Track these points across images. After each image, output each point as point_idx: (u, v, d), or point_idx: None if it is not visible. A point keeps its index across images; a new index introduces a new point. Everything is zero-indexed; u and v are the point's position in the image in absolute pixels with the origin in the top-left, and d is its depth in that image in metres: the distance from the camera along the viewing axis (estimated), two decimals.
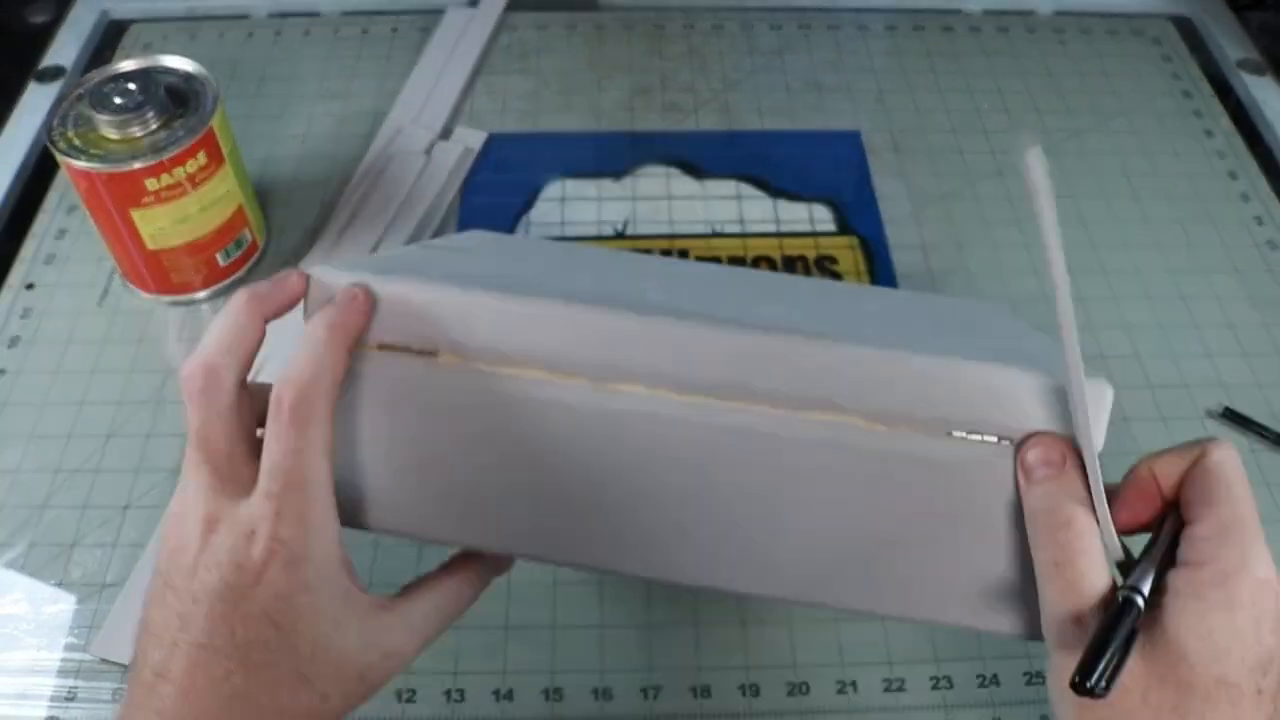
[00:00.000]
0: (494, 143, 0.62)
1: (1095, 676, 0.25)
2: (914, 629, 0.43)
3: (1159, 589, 0.27)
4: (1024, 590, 0.29)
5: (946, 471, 0.28)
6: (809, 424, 0.28)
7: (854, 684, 0.42)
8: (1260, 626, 0.26)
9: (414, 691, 0.41)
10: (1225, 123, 0.65)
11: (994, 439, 0.28)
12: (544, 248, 0.45)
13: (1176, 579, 0.27)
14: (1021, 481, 0.28)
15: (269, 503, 0.28)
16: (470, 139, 0.62)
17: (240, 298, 0.30)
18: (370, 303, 0.30)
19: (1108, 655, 0.25)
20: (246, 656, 0.27)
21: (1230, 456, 0.28)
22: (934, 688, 0.41)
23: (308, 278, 0.31)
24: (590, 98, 0.66)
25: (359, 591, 0.30)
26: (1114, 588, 0.27)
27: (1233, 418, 0.50)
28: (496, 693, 0.41)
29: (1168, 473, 0.28)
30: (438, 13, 0.70)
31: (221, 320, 0.29)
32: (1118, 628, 0.26)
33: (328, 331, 0.29)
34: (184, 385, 0.29)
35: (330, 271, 0.30)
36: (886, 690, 0.41)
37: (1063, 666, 0.26)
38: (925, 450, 0.28)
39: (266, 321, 0.30)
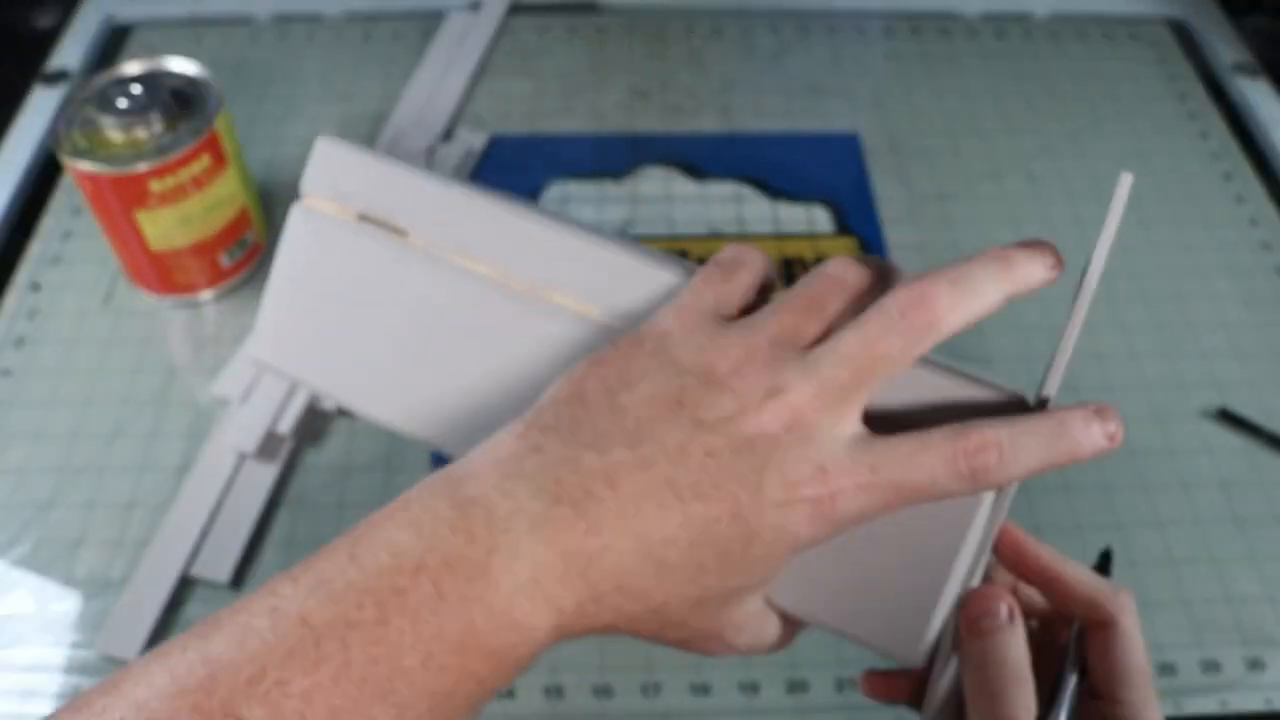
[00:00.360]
0: (496, 144, 0.63)
1: None
2: None
3: None
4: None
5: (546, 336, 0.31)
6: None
7: (853, 682, 0.42)
8: None
9: None
10: (1220, 125, 0.66)
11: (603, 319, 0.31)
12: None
13: None
14: (963, 631, 0.28)
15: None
16: (472, 141, 0.63)
17: None
18: None
19: None
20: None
21: (1135, 620, 0.28)
22: None
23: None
24: (591, 100, 0.66)
25: None
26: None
27: (1228, 418, 0.50)
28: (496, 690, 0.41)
29: (1080, 595, 0.29)
30: (440, 16, 0.70)
31: None
32: None
33: None
34: None
35: (339, 143, 0.33)
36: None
37: None
38: (549, 316, 0.31)
39: None
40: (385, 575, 0.24)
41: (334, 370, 0.33)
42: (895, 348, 0.26)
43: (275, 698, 0.22)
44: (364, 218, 0.32)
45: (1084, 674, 0.29)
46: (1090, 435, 0.26)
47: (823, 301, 0.28)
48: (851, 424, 0.27)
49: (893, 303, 0.26)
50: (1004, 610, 0.28)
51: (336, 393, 0.33)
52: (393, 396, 0.32)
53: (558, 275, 0.31)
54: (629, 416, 0.26)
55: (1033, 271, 0.27)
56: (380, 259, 0.32)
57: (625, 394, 0.27)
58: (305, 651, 0.23)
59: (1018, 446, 0.26)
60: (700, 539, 0.26)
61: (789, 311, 0.28)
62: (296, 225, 0.33)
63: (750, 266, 0.29)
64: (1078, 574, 0.29)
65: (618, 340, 0.28)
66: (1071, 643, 0.29)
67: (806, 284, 0.28)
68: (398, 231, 0.32)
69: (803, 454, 0.26)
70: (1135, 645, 0.28)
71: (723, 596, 0.27)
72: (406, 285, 0.32)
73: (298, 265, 0.33)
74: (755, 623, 0.29)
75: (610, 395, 0.27)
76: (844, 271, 0.28)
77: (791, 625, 0.30)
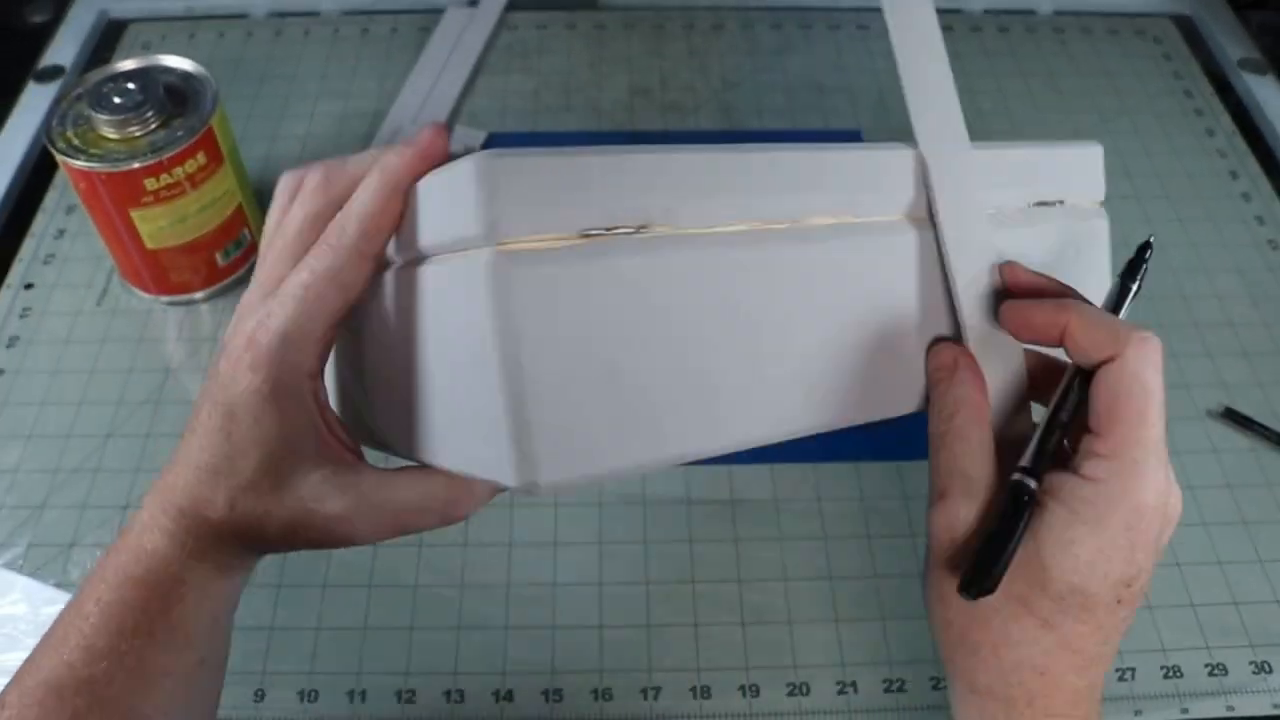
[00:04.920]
0: (494, 142, 0.62)
1: (989, 580, 0.27)
2: (914, 629, 0.43)
3: (1046, 483, 0.28)
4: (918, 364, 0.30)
5: (858, 256, 0.29)
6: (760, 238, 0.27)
7: (854, 684, 0.41)
8: (1134, 548, 0.27)
9: (414, 692, 0.41)
10: (1226, 122, 0.65)
11: (891, 217, 0.30)
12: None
13: (1060, 484, 0.28)
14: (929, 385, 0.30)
15: (271, 302, 0.28)
16: (470, 139, 0.62)
17: (383, 177, 0.28)
18: (436, 148, 0.28)
19: (1003, 559, 0.27)
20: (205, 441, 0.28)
21: (1146, 365, 0.27)
22: (934, 688, 0.41)
23: (445, 134, 0.29)
24: (590, 97, 0.66)
25: (332, 438, 0.29)
26: (998, 476, 0.29)
27: (1233, 417, 0.50)
28: (496, 693, 0.41)
29: (1083, 341, 0.28)
30: (438, 12, 0.70)
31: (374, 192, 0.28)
32: (1014, 527, 0.27)
33: (391, 176, 0.28)
34: (308, 180, 0.29)
35: (500, 156, 0.24)
36: (887, 690, 0.41)
37: (942, 551, 0.29)
38: (838, 239, 0.29)
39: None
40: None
41: (633, 436, 0.25)
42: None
43: None
44: (587, 234, 0.25)
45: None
46: None
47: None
48: None
49: None
50: (948, 357, 0.30)
51: (647, 458, 0.26)
52: (725, 414, 0.27)
53: (806, 199, 0.28)
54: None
55: None
56: (633, 269, 0.25)
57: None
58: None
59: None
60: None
61: None
62: (506, 289, 0.23)
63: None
64: (1084, 317, 0.28)
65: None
66: (1065, 380, 0.29)
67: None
68: (631, 230, 0.25)
69: None
70: (1130, 379, 0.27)
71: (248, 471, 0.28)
72: (671, 283, 0.25)
73: (542, 340, 0.24)
74: (326, 492, 0.28)
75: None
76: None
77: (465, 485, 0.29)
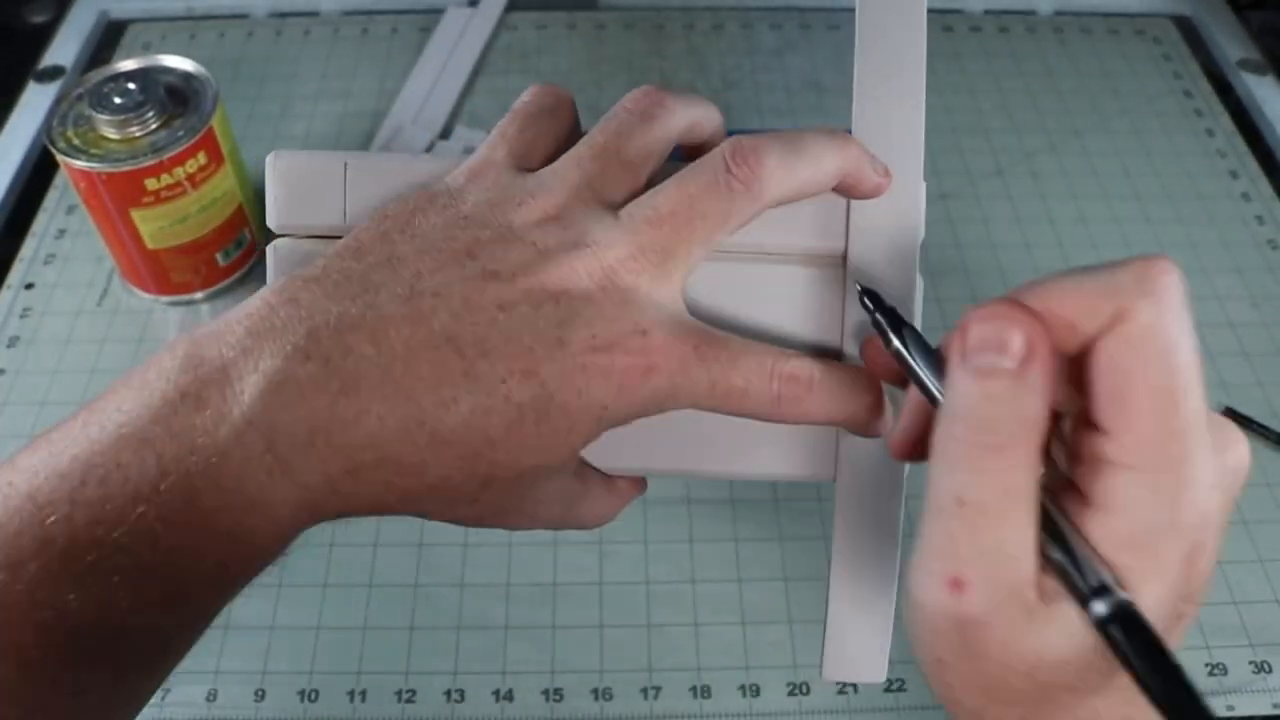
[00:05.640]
0: None
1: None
2: None
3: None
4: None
5: (774, 291, 0.27)
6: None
7: (854, 685, 0.41)
8: (1194, 571, 0.20)
9: (414, 691, 0.41)
10: (1226, 122, 0.65)
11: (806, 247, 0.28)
12: None
13: (1080, 509, 0.19)
14: (954, 359, 0.20)
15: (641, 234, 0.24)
16: (470, 139, 0.62)
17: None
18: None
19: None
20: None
21: (1169, 316, 0.19)
22: None
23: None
24: (590, 97, 0.66)
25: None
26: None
27: (1234, 417, 0.50)
28: (496, 693, 0.41)
29: (1075, 317, 0.20)
30: (437, 12, 0.70)
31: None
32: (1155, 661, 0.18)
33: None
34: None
35: (297, 153, 0.27)
36: (887, 690, 0.41)
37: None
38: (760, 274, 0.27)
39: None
40: (110, 448, 0.21)
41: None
42: (718, 207, 0.24)
43: (2, 579, 0.20)
44: None
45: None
46: (875, 417, 0.25)
47: (628, 142, 0.25)
48: (673, 294, 0.24)
49: (719, 155, 0.24)
50: (1017, 344, 0.19)
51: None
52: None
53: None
54: (407, 267, 0.23)
55: (863, 160, 0.26)
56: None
57: (405, 244, 0.23)
58: (32, 531, 0.21)
59: (825, 391, 0.25)
60: (485, 405, 0.22)
61: (592, 158, 0.25)
62: None
63: (549, 113, 0.26)
64: (1076, 284, 0.20)
65: (406, 194, 0.25)
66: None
67: (610, 119, 0.25)
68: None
69: (621, 312, 0.23)
70: (1147, 342, 0.19)
71: (517, 475, 0.23)
72: None
73: None
74: (565, 497, 0.25)
75: (388, 244, 0.23)
76: (648, 104, 0.25)
77: (622, 491, 0.27)
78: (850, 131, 0.28)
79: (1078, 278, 0.20)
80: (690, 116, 0.26)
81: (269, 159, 0.27)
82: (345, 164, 0.26)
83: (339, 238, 0.25)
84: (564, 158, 0.25)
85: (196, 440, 0.21)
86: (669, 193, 0.24)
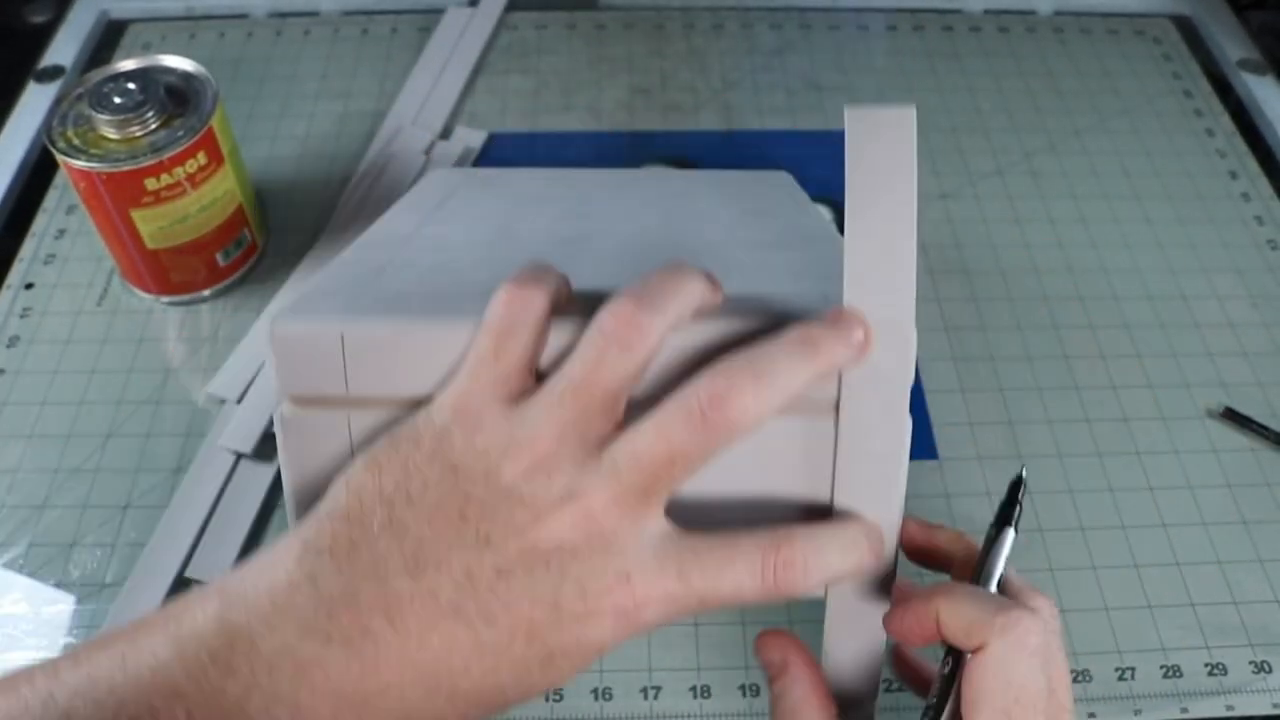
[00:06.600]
0: (494, 142, 0.62)
1: None
2: None
3: None
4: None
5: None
6: None
7: None
8: None
9: None
10: (1226, 122, 0.65)
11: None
12: (508, 184, 0.46)
13: None
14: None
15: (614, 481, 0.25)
16: (470, 139, 0.62)
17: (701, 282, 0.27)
18: None
19: None
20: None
21: (1016, 654, 0.25)
22: None
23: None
24: (590, 97, 0.66)
25: None
26: None
27: (1233, 417, 0.50)
28: None
29: (955, 631, 0.26)
30: (437, 12, 0.70)
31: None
32: None
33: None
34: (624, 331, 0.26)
35: (294, 322, 0.28)
36: (887, 690, 0.41)
37: None
38: None
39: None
40: (145, 692, 0.23)
41: None
42: (696, 447, 0.25)
43: None
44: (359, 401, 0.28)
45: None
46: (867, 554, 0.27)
47: (606, 376, 0.25)
48: (655, 522, 0.26)
49: (694, 399, 0.25)
50: (776, 654, 0.29)
51: None
52: None
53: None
54: (409, 536, 0.25)
55: (836, 352, 0.26)
56: None
57: (403, 507, 0.25)
58: None
59: (819, 567, 0.26)
60: (495, 665, 0.25)
61: (574, 396, 0.25)
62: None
63: (523, 327, 0.26)
64: (952, 602, 0.26)
65: (396, 435, 0.26)
66: (941, 667, 0.27)
67: (587, 348, 0.26)
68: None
69: (604, 563, 0.25)
70: (993, 674, 0.25)
71: (528, 694, 0.26)
72: None
73: None
74: (576, 665, 0.27)
75: (389, 509, 0.25)
76: (626, 332, 0.25)
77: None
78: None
79: (968, 600, 0.26)
80: (671, 322, 0.26)
81: (271, 330, 0.27)
82: (342, 336, 0.27)
83: (344, 401, 0.27)
84: (546, 394, 0.26)
85: (226, 705, 0.23)
86: (648, 437, 0.25)
